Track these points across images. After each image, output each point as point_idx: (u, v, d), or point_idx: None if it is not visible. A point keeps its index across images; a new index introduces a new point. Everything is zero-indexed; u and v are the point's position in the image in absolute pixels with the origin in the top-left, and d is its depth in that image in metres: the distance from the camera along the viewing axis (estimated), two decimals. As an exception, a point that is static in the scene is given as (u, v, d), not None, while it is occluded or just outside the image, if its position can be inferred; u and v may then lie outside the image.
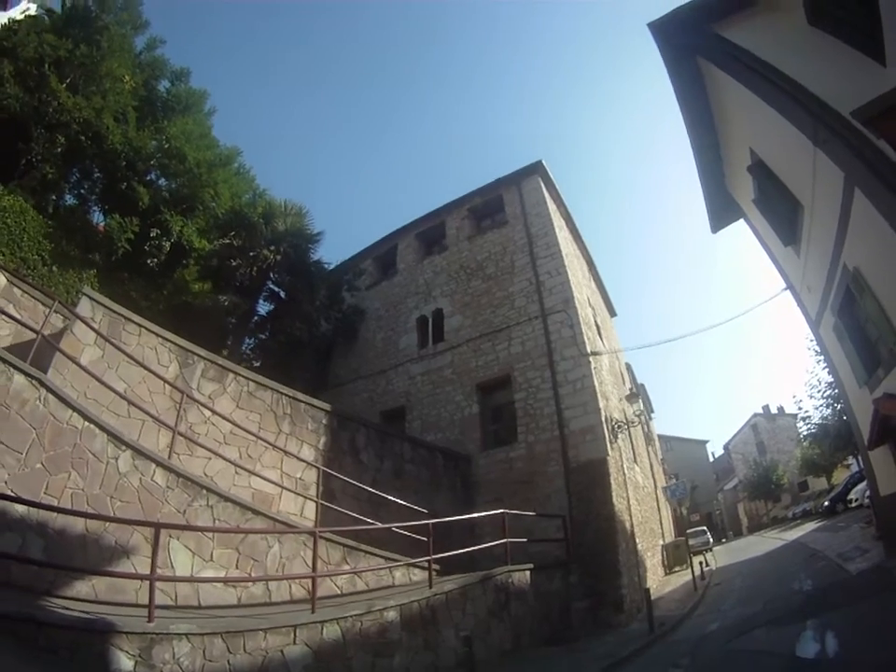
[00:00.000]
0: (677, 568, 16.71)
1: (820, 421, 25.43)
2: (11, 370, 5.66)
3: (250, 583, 6.28)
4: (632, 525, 11.47)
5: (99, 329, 7.36)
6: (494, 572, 8.12)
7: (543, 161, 14.46)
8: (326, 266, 15.48)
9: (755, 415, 51.69)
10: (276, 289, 13.58)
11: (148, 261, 12.62)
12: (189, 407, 7.82)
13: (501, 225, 14.41)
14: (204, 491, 6.45)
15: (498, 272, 13.59)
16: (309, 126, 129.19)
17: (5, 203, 11.03)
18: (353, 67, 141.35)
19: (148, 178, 13.22)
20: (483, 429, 12.14)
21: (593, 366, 11.50)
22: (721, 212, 12.19)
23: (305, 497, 8.49)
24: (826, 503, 24.16)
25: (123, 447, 6.11)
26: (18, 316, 7.75)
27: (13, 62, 11.77)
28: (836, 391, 16.22)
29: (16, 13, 15.59)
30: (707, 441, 55.02)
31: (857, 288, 7.85)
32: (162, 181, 13.78)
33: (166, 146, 13.03)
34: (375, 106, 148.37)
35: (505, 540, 8.66)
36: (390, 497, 9.17)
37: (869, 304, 7.67)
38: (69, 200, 13.84)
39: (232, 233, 12.69)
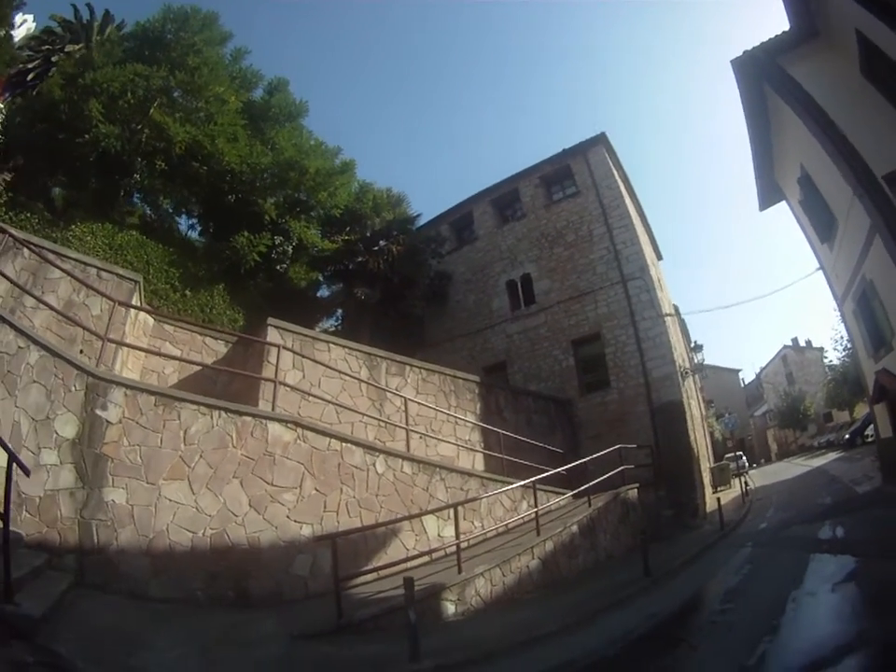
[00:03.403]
0: (721, 488, 20.26)
1: (842, 369, 30.55)
2: (264, 421, 7.18)
3: (476, 526, 8.94)
4: (697, 452, 14.50)
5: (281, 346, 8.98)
6: (620, 491, 11.09)
7: (606, 133, 16.12)
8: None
9: (785, 347, 54.46)
10: (392, 276, 15.45)
11: (278, 267, 13.95)
12: (384, 401, 10.51)
13: (574, 195, 16.50)
14: (437, 469, 9.13)
15: (578, 240, 15.76)
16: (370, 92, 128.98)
17: (120, 241, 11.52)
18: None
19: (265, 189, 13.87)
20: (580, 378, 15.03)
21: (667, 325, 13.93)
22: (769, 194, 14.67)
23: (474, 452, 11.43)
24: (847, 436, 27.64)
25: (376, 453, 8.29)
26: (177, 351, 9.38)
27: (100, 98, 11.83)
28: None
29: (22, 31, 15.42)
30: (739, 370, 58.09)
31: (870, 293, 10.90)
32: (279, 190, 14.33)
33: (281, 157, 13.72)
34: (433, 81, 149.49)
35: (623, 467, 11.63)
36: (531, 441, 11.98)
37: (877, 306, 10.79)
38: (181, 222, 15.06)
39: (348, 228, 14.62)
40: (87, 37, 14.04)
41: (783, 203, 15.33)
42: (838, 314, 16.32)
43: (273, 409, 7.81)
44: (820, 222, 12.49)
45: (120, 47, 13.65)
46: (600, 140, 16.35)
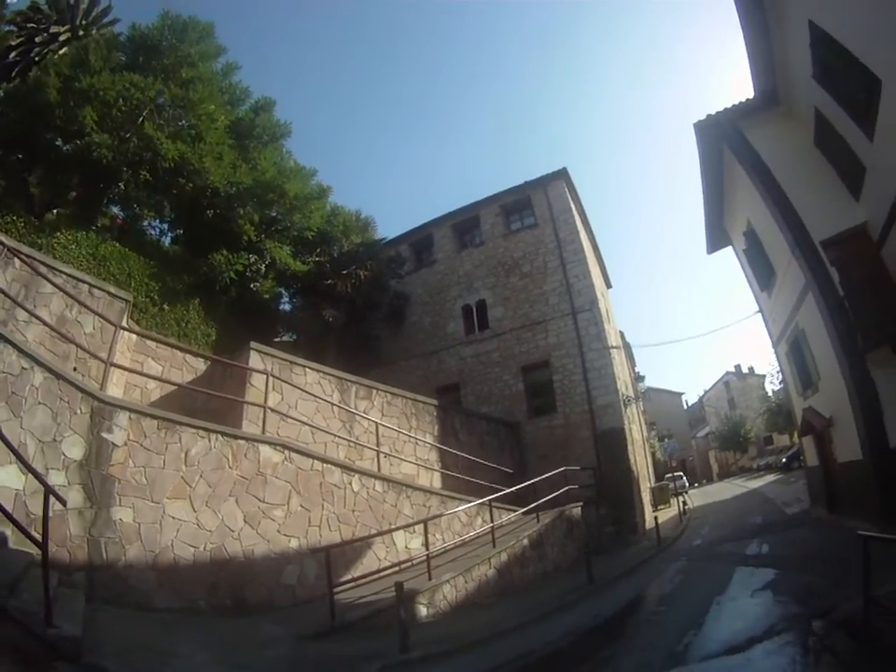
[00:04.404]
0: (661, 507, 22.33)
1: (777, 400, 34.35)
2: (256, 444, 8.02)
3: (437, 539, 9.94)
4: (637, 473, 16.19)
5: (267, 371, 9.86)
6: (565, 508, 12.46)
7: (567, 169, 17.76)
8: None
9: (728, 373, 58.37)
10: (356, 298, 16.32)
11: (251, 286, 14.38)
12: (353, 423, 11.44)
13: (532, 227, 18.01)
14: (404, 487, 10.23)
15: (533, 270, 17.26)
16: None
17: (103, 252, 11.50)
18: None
19: (244, 207, 13.96)
20: (529, 402, 16.46)
21: (613, 357, 15.57)
22: (717, 240, 16.59)
23: (432, 471, 12.55)
24: (784, 460, 30.45)
25: (353, 473, 9.32)
26: (159, 367, 9.87)
27: (94, 105, 11.69)
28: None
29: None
30: (682, 393, 61.44)
31: (802, 340, 12.67)
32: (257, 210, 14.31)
33: (262, 178, 13.78)
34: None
35: (567, 487, 13.11)
36: (483, 461, 13.23)
37: (807, 352, 12.54)
38: (154, 228, 15.16)
39: (318, 250, 15.41)
40: (72, 18, 13.30)
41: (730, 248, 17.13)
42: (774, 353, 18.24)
43: (263, 433, 8.64)
44: (761, 272, 14.34)
45: (116, 52, 13.47)
46: (561, 175, 17.97)
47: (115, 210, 14.29)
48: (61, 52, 13.00)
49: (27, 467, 5.00)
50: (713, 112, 12.29)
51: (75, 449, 6.35)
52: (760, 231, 13.29)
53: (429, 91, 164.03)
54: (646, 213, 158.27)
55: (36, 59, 12.86)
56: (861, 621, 4.45)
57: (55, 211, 12.64)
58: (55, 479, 6.04)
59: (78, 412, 6.54)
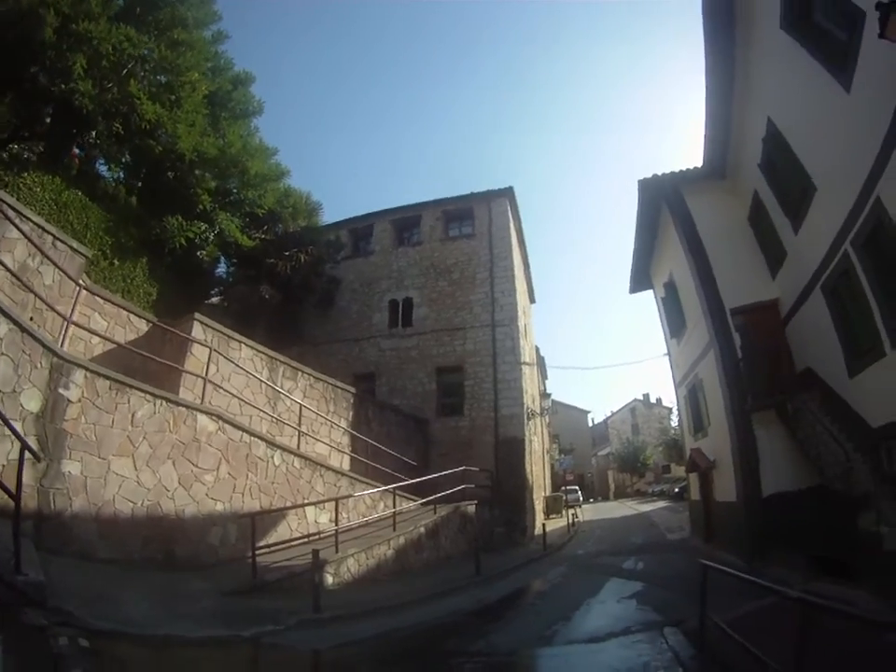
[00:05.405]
0: (553, 516, 24.57)
1: (675, 435, 38.24)
2: (195, 413, 8.75)
3: (344, 517, 11.09)
4: (532, 481, 18.14)
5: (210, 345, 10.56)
6: (460, 505, 13.97)
7: (513, 188, 19.38)
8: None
9: (636, 400, 62.74)
10: (293, 279, 16.87)
11: (198, 253, 14.62)
12: (277, 400, 12.27)
13: (469, 237, 19.33)
14: (319, 466, 11.28)
15: (463, 279, 18.63)
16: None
17: (66, 199, 11.57)
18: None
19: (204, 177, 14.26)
20: (439, 402, 17.85)
21: (523, 372, 17.32)
22: (640, 283, 19.06)
23: (343, 454, 13.57)
24: (676, 489, 33.36)
25: (275, 448, 10.22)
26: (104, 323, 10.18)
27: (86, 52, 11.53)
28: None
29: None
30: (589, 412, 65.27)
31: (699, 388, 14.76)
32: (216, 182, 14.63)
33: (227, 151, 14.17)
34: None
35: (465, 486, 14.53)
36: (390, 451, 14.40)
37: (702, 399, 14.60)
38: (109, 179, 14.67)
39: (265, 227, 15.86)
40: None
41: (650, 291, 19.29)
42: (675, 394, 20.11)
43: (202, 402, 9.36)
44: (674, 321, 16.31)
45: (115, 3, 12.96)
46: (506, 193, 19.47)
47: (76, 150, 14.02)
48: None
49: (5, 423, 5.48)
50: (659, 173, 13.81)
51: (32, 402, 6.67)
52: (679, 286, 15.14)
53: (406, 84, 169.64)
54: (582, 240, 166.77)
55: None
56: (698, 632, 5.51)
57: (28, 153, 12.33)
58: (14, 430, 6.45)
59: (38, 366, 6.85)
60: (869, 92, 6.92)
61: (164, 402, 8.38)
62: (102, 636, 4.66)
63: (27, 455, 5.18)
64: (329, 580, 8.76)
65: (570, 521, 21.94)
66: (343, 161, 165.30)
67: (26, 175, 10.86)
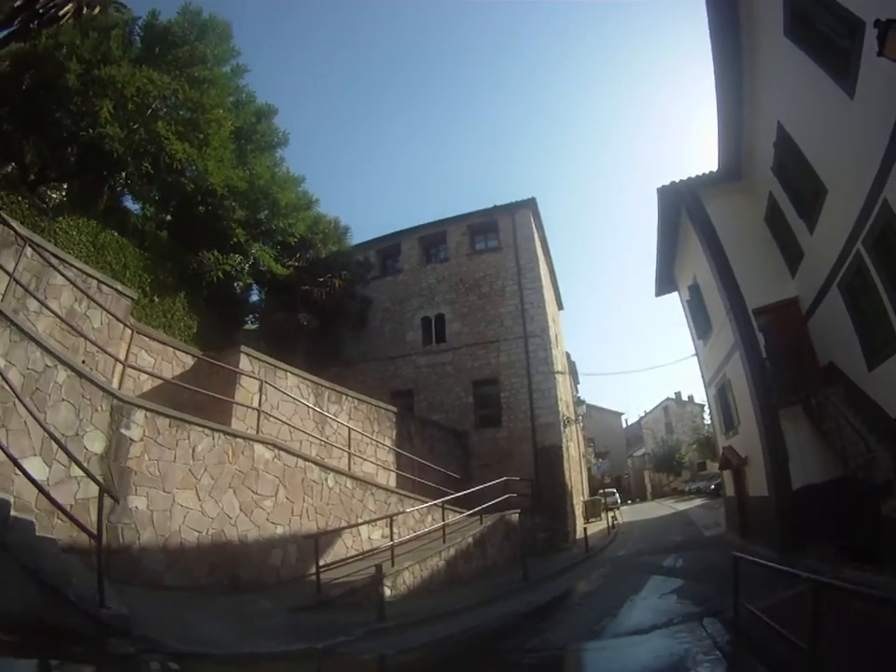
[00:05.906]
0: (592, 519, 24.67)
1: (707, 433, 38.25)
2: (252, 443, 9.31)
3: (396, 532, 11.52)
4: (571, 487, 18.37)
5: (259, 377, 11.35)
6: (504, 514, 14.29)
7: (536, 199, 19.77)
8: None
9: (668, 399, 62.09)
10: (328, 303, 17.44)
11: (235, 284, 15.38)
12: (324, 424, 12.89)
13: (496, 250, 19.75)
14: (370, 486, 11.83)
15: (492, 292, 19.06)
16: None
17: (102, 241, 12.03)
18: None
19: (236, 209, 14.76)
20: (477, 414, 18.28)
21: (557, 380, 17.61)
22: (665, 286, 19.13)
23: (389, 471, 14.13)
24: (713, 486, 32.76)
25: (329, 471, 10.81)
26: (151, 360, 10.77)
27: (111, 96, 12.01)
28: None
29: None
30: (622, 413, 65.02)
31: (728, 387, 14.89)
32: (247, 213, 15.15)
33: (256, 183, 14.79)
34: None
35: (508, 495, 14.90)
36: (433, 466, 14.93)
37: (731, 398, 14.76)
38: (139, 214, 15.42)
39: (297, 255, 16.65)
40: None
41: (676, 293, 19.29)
42: (704, 393, 20.20)
43: (258, 433, 10.04)
44: (700, 323, 16.51)
45: (135, 42, 13.60)
46: (529, 204, 19.88)
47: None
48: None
49: (83, 468, 5.89)
50: (677, 180, 14.11)
51: (96, 443, 7.06)
52: (703, 288, 15.34)
53: (429, 100, 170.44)
54: (609, 245, 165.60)
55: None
56: (733, 619, 6.01)
57: (56, 193, 13.01)
58: (77, 471, 6.47)
59: (99, 409, 7.23)
60: (872, 99, 7.17)
61: (222, 435, 8.99)
62: (188, 658, 5.02)
63: (113, 499, 5.89)
64: (388, 591, 9.15)
65: (610, 523, 22.18)
66: (367, 178, 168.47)
67: (61, 219, 11.43)
